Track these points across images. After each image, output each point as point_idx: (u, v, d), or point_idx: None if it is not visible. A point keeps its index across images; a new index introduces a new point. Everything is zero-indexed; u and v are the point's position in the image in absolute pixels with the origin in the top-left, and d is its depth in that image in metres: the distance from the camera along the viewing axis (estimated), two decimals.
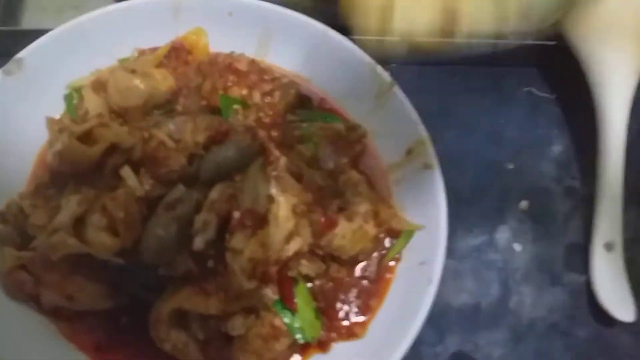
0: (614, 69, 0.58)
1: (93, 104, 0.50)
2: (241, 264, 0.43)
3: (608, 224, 0.57)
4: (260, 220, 0.44)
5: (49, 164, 0.49)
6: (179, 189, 0.44)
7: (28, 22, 0.67)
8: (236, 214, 0.43)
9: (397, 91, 0.55)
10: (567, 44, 0.62)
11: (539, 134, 0.67)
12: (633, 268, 0.56)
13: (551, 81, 0.68)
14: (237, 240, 0.43)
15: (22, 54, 0.53)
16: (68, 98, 0.53)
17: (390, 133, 0.56)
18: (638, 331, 0.56)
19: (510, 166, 0.64)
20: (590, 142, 0.61)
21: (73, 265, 0.45)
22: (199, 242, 0.43)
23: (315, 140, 0.54)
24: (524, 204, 0.62)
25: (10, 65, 0.53)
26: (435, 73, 0.67)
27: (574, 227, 0.62)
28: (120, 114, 0.50)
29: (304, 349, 0.48)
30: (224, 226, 0.44)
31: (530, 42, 0.66)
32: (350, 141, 0.56)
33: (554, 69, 0.68)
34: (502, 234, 0.61)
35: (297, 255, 0.48)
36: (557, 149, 0.66)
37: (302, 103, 0.55)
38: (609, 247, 0.56)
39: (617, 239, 0.56)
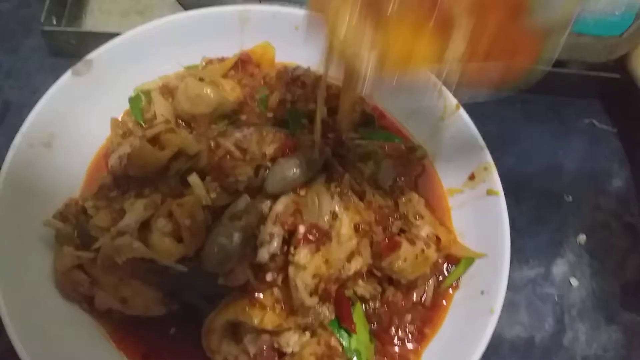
0: None
1: (161, 108, 0.50)
2: (305, 280, 0.42)
3: None
4: (323, 236, 0.43)
5: (111, 167, 0.49)
6: (245, 199, 0.44)
7: (93, 24, 0.68)
8: (301, 228, 0.43)
9: (463, 114, 0.54)
10: (631, 77, 0.62)
11: (598, 167, 0.66)
12: None
13: (613, 114, 0.68)
14: (302, 255, 0.42)
15: (91, 55, 0.54)
16: (134, 100, 0.53)
17: (453, 156, 0.55)
18: None
19: (569, 199, 0.63)
20: None
21: (133, 269, 0.44)
22: (263, 254, 0.42)
23: (375, 158, 0.53)
24: (581, 237, 0.61)
25: (80, 65, 0.53)
26: (496, 100, 0.66)
27: (632, 264, 0.60)
28: (187, 121, 0.50)
29: None
30: (286, 240, 0.43)
31: (593, 73, 0.66)
32: (410, 162, 0.55)
33: (616, 102, 0.68)
34: (559, 267, 0.60)
35: (356, 275, 0.47)
36: (617, 183, 0.65)
37: (366, 121, 0.54)
38: None
39: None
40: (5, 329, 0.43)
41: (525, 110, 0.67)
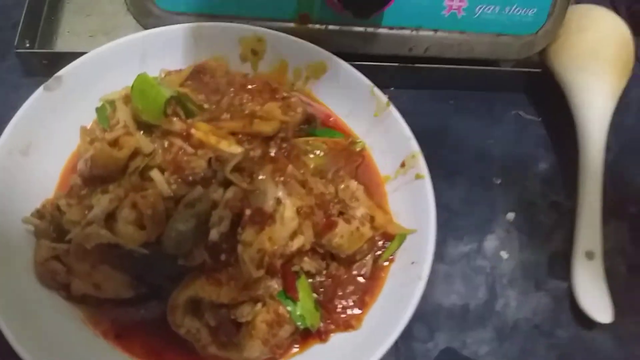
0: (593, 93, 0.64)
1: (123, 114, 0.56)
2: (250, 255, 0.48)
3: (588, 234, 0.62)
4: (268, 218, 0.50)
5: (80, 169, 0.55)
6: (198, 190, 0.50)
7: (63, 45, 0.74)
8: (247, 212, 0.49)
9: (393, 110, 0.62)
10: (551, 71, 0.69)
11: (525, 153, 0.73)
12: (611, 276, 0.62)
13: (538, 105, 0.75)
14: (247, 234, 0.49)
15: (61, 72, 0.60)
16: (101, 110, 0.60)
17: (387, 147, 0.62)
18: (615, 333, 0.61)
19: (498, 182, 0.70)
20: (572, 161, 0.68)
21: (102, 255, 0.51)
22: (214, 234, 0.48)
23: (319, 153, 0.60)
24: (510, 215, 0.68)
25: (51, 82, 0.59)
26: (431, 96, 0.74)
27: (558, 237, 0.67)
28: (146, 124, 0.57)
29: (304, 338, 0.54)
30: (236, 224, 0.50)
31: (518, 69, 0.74)
32: (351, 154, 0.62)
33: (540, 94, 0.75)
34: (490, 242, 0.67)
35: (301, 252, 0.53)
36: (542, 166, 0.72)
37: (308, 120, 0.61)
38: (589, 255, 0.61)
39: (597, 248, 0.62)
40: None
41: (457, 106, 0.75)
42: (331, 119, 0.65)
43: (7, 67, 0.71)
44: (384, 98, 0.62)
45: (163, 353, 0.53)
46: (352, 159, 0.62)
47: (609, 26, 0.66)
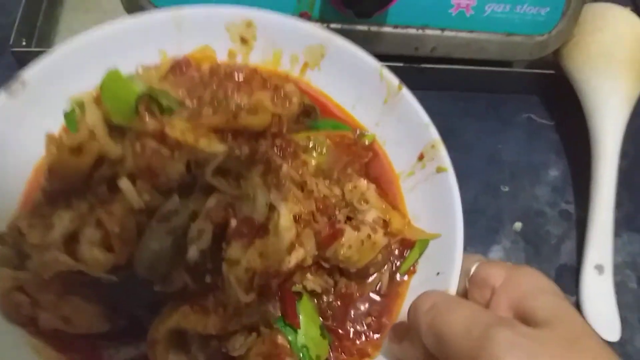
0: (608, 97, 0.61)
1: (92, 117, 0.48)
2: (237, 275, 0.40)
3: (599, 247, 0.58)
4: (258, 230, 0.42)
5: (41, 184, 0.47)
6: (173, 200, 0.42)
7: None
8: (233, 222, 0.41)
9: (406, 93, 0.53)
10: (565, 72, 0.66)
11: (536, 159, 0.68)
12: (622, 291, 0.58)
13: (550, 108, 0.71)
14: (233, 250, 0.40)
15: (25, 73, 0.53)
16: (70, 114, 0.52)
17: (401, 138, 0.53)
18: (623, 350, 0.56)
19: (506, 189, 0.65)
20: (586, 168, 0.62)
21: (67, 284, 0.43)
22: (193, 252, 0.40)
23: (321, 149, 0.51)
24: (517, 225, 0.63)
25: (14, 85, 0.52)
26: (438, 98, 0.68)
27: (566, 249, 0.62)
28: (118, 128, 0.49)
29: None
30: (221, 238, 0.41)
31: (530, 70, 0.69)
32: (359, 149, 0.53)
33: (553, 97, 0.70)
34: (496, 253, 0.61)
35: (302, 268, 0.45)
36: (553, 173, 0.67)
37: (307, 111, 0.53)
38: (599, 269, 0.58)
39: (608, 262, 0.58)
40: None
41: (466, 108, 0.69)
42: (333, 109, 0.56)
43: (3, 65, 0.66)
44: (395, 81, 0.53)
45: None
46: (360, 154, 0.53)
47: (625, 27, 0.62)
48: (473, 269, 0.43)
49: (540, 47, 0.64)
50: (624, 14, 0.63)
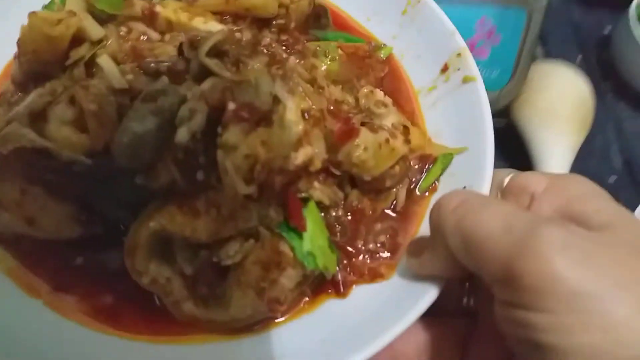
0: (552, 147, 0.65)
1: (75, 5, 0.42)
2: (235, 161, 0.33)
3: None
4: (261, 118, 0.35)
5: (12, 72, 0.42)
6: (162, 81, 0.36)
7: None
8: (231, 105, 0.35)
9: (428, 0, 0.47)
10: (515, 124, 0.69)
11: None
12: None
13: (505, 152, 0.66)
14: (231, 134, 0.34)
15: None
16: (49, 5, 0.46)
17: (421, 51, 0.48)
18: None
19: None
20: None
21: (32, 170, 0.36)
22: (182, 134, 0.34)
23: (332, 55, 0.46)
24: None
25: None
26: None
27: None
28: (102, 18, 0.43)
29: (316, 292, 0.39)
30: (216, 123, 0.35)
31: None
32: (374, 62, 0.48)
33: (506, 142, 0.66)
34: None
35: (309, 174, 0.38)
36: None
37: (317, 14, 0.47)
38: None
39: None
40: None
41: None
42: (348, 21, 0.50)
43: None
44: None
45: (118, 314, 0.38)
46: (375, 67, 0.47)
47: (569, 85, 0.68)
48: (507, 180, 0.37)
49: (493, 102, 0.62)
50: (568, 73, 0.68)
